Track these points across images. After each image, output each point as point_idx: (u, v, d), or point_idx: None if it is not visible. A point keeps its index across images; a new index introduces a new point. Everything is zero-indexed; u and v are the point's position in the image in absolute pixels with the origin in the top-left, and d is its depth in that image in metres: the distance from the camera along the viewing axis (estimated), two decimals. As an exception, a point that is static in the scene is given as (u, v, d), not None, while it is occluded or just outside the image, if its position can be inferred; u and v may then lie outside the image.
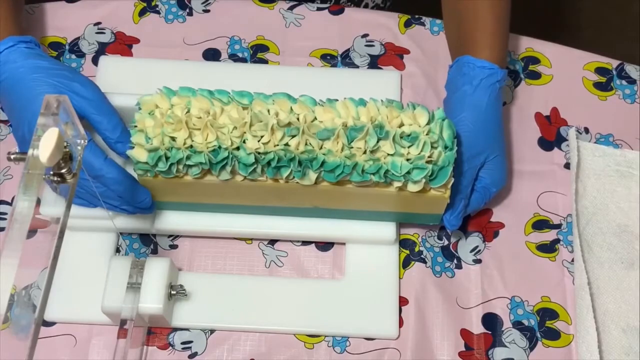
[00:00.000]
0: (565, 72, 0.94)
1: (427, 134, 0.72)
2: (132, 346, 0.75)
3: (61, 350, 0.79)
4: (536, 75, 0.94)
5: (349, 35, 0.96)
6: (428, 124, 0.73)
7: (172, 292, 0.77)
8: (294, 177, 0.73)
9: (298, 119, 0.72)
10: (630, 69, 0.94)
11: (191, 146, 0.71)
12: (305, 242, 0.85)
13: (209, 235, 0.84)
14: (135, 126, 0.72)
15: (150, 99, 0.73)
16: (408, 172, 0.71)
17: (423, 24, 0.97)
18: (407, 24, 0.97)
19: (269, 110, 0.73)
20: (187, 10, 0.97)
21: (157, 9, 0.97)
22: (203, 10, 0.97)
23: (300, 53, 0.94)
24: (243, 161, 0.71)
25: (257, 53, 0.94)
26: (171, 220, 0.82)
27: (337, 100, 0.74)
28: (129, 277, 0.75)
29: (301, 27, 0.96)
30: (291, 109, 0.73)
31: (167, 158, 0.72)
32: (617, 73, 0.94)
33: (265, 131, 0.71)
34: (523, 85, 0.93)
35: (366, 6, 1.09)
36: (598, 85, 0.93)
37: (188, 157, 0.71)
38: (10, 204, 0.85)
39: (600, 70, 0.94)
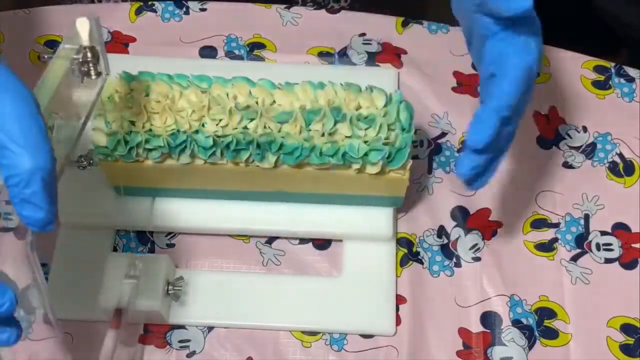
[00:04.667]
0: (563, 70, 0.94)
1: (384, 116, 0.73)
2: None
3: (55, 350, 0.78)
4: (534, 74, 0.94)
5: (347, 34, 0.96)
6: (385, 106, 0.73)
7: (170, 288, 0.76)
8: (253, 160, 0.73)
9: (257, 102, 0.73)
10: (629, 68, 0.94)
11: (150, 130, 0.72)
12: (303, 241, 0.84)
13: (205, 233, 0.84)
14: None
15: (109, 83, 0.74)
16: (366, 154, 0.72)
17: (421, 23, 0.97)
18: (405, 24, 0.97)
19: (227, 94, 0.73)
20: (184, 9, 0.97)
21: (154, 7, 0.97)
22: (200, 9, 0.97)
23: (297, 50, 0.94)
24: (202, 144, 0.72)
25: (254, 50, 0.94)
26: (168, 218, 0.82)
27: (296, 84, 0.75)
28: (126, 274, 0.75)
29: (298, 26, 0.96)
30: (250, 92, 0.73)
31: (126, 142, 0.72)
32: (616, 71, 0.94)
33: (224, 114, 0.72)
34: (521, 84, 0.93)
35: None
36: (596, 84, 0.93)
37: (147, 141, 0.72)
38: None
39: (598, 69, 0.94)
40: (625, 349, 0.80)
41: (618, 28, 1.14)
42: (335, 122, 0.72)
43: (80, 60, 0.63)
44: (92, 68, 0.63)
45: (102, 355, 0.69)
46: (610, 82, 0.93)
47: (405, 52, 0.95)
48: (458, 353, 0.79)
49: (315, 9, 0.97)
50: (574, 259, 0.84)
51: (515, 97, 0.63)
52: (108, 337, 0.71)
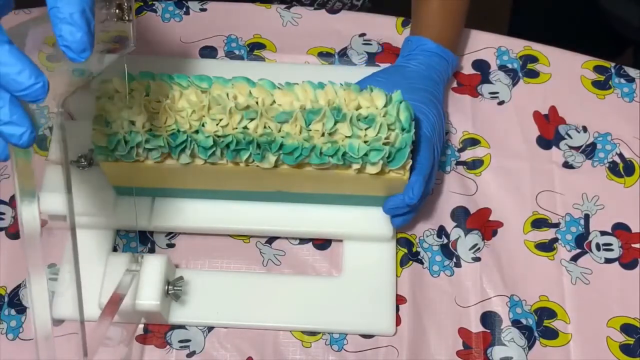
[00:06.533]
0: (563, 70, 0.94)
1: (384, 116, 0.72)
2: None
3: (60, 349, 0.78)
4: (534, 74, 0.94)
5: (347, 34, 0.96)
6: (385, 106, 0.73)
7: (170, 288, 0.76)
8: (253, 160, 0.73)
9: (257, 102, 0.73)
10: (629, 68, 0.94)
11: (150, 130, 0.72)
12: (303, 241, 0.85)
13: (205, 233, 0.84)
14: None
15: (109, 83, 0.74)
16: (366, 154, 0.72)
17: (421, 23, 0.97)
18: (405, 24, 0.96)
19: (227, 94, 0.73)
20: (184, 9, 0.96)
21: (154, 7, 0.97)
22: (200, 9, 0.97)
23: (297, 50, 0.94)
24: (202, 144, 0.72)
25: (254, 50, 0.94)
26: (168, 218, 0.82)
27: (296, 84, 0.75)
28: (127, 269, 0.75)
29: (298, 26, 0.96)
30: (250, 92, 0.73)
31: (126, 142, 0.72)
32: (616, 71, 0.94)
33: (224, 114, 0.71)
34: (521, 84, 0.93)
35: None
36: (596, 84, 0.93)
37: (147, 141, 0.72)
38: (7, 203, 0.84)
39: (598, 69, 0.94)
40: (625, 349, 0.80)
41: (624, 30, 1.14)
42: (335, 122, 0.72)
43: (117, 2, 0.63)
44: (125, 13, 0.63)
45: (91, 343, 0.68)
46: (610, 82, 0.93)
47: (405, 52, 0.95)
48: (458, 353, 0.79)
49: (315, 8, 0.97)
50: (574, 259, 0.84)
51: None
52: (99, 326, 0.70)
